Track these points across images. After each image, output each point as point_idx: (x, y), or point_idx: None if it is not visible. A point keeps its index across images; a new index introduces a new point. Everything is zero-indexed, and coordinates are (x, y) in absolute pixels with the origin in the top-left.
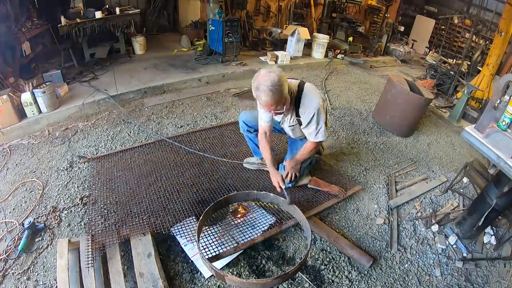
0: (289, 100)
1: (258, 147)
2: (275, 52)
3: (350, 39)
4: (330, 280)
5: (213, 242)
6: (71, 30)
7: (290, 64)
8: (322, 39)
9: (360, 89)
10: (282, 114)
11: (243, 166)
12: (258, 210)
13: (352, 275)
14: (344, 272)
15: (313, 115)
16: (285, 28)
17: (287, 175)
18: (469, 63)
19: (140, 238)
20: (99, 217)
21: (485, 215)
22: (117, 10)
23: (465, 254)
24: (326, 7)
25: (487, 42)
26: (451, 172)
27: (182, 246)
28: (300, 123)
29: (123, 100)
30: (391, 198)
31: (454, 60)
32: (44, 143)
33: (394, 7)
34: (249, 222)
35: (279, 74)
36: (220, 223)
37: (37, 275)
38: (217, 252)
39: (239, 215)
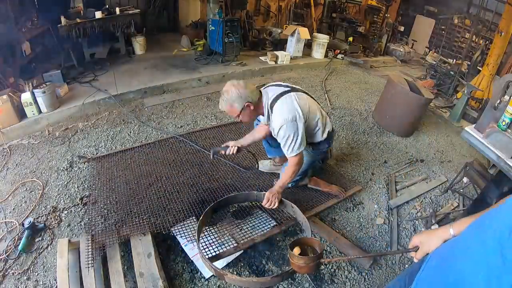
0: (249, 112)
1: (270, 145)
2: (275, 52)
3: (350, 39)
4: (330, 280)
5: (213, 242)
6: (71, 30)
7: (290, 64)
8: (322, 39)
9: (360, 89)
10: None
11: (257, 168)
12: (259, 210)
13: (352, 275)
14: (344, 272)
15: (279, 130)
16: (285, 28)
17: (266, 202)
18: (469, 63)
19: (140, 238)
20: (99, 217)
21: None
22: (117, 10)
23: None
24: (326, 7)
25: (487, 42)
26: (451, 172)
27: (182, 246)
28: None
29: (123, 100)
30: (391, 198)
31: (454, 60)
32: (44, 143)
33: (394, 7)
34: (249, 223)
35: (233, 89)
36: (220, 223)
37: (37, 275)
38: (217, 252)
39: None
